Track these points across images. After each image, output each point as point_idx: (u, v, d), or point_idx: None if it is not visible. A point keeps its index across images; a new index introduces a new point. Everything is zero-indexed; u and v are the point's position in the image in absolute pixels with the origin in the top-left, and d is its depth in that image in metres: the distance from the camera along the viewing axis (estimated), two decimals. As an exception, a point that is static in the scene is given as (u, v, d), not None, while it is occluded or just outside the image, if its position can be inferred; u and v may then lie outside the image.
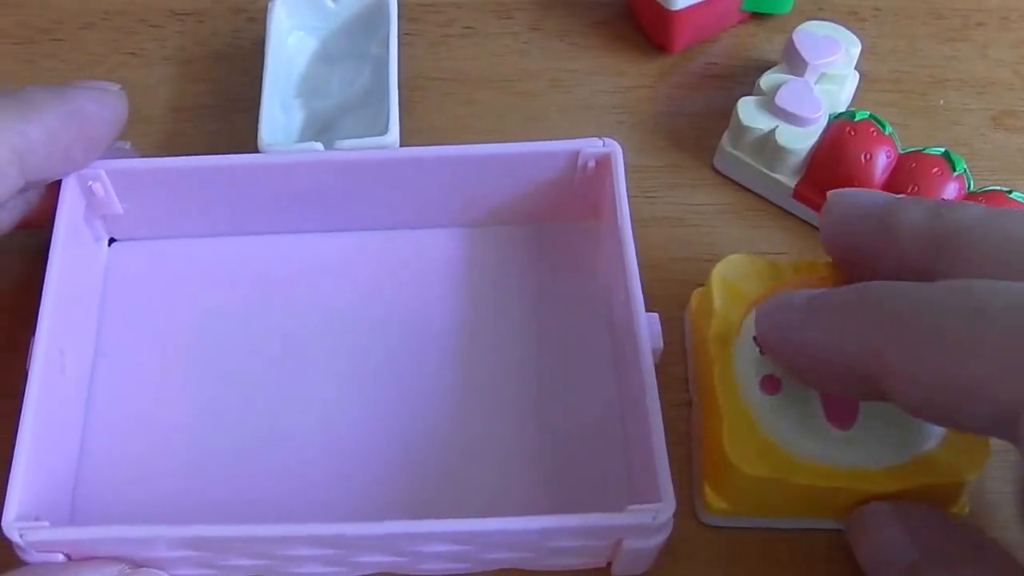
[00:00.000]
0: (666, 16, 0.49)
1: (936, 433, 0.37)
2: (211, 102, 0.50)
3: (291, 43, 0.49)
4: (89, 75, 0.51)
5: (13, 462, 0.35)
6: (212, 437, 0.40)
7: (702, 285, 0.41)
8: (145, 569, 0.36)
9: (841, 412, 0.37)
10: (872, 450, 0.37)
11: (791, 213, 0.47)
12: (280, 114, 0.46)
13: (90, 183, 0.41)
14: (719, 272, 0.40)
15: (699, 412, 0.41)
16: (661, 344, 0.38)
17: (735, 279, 0.40)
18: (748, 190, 0.48)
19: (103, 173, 0.41)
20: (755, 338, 0.37)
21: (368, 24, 0.49)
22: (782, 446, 0.37)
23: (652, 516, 0.34)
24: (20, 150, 0.36)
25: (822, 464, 0.36)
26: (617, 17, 0.53)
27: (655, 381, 0.36)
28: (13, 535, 0.34)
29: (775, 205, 0.47)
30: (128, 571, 0.35)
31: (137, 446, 0.40)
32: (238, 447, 0.40)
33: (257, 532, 0.34)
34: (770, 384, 0.37)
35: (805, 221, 0.46)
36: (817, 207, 0.45)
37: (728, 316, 0.39)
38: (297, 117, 0.48)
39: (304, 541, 0.35)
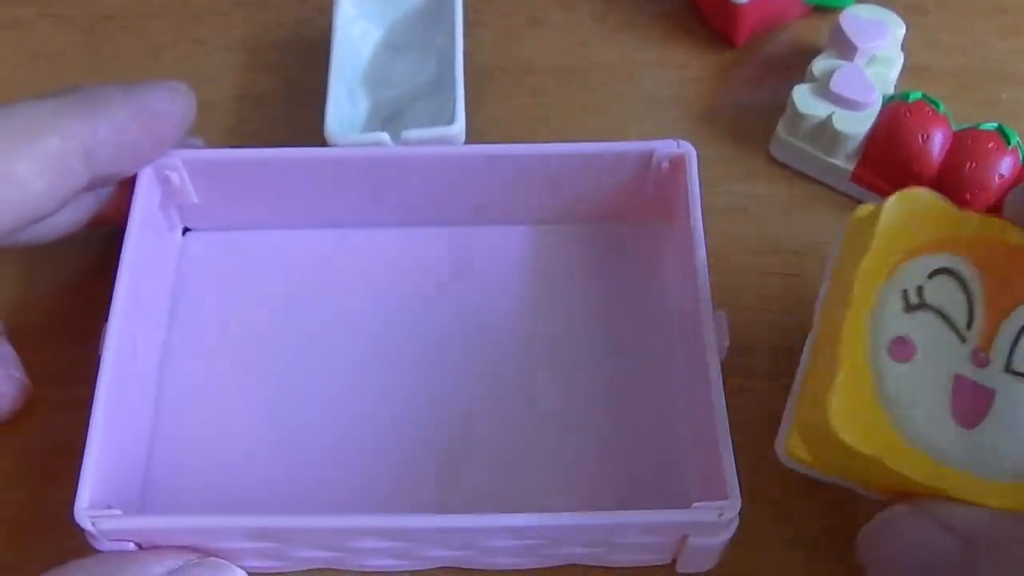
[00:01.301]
0: (731, 9, 0.49)
1: None
2: (276, 91, 0.50)
3: (356, 32, 0.49)
4: (153, 63, 0.51)
5: (86, 449, 0.35)
6: (282, 426, 0.40)
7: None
8: (212, 559, 0.36)
9: (970, 407, 0.34)
10: (991, 459, 0.33)
11: (850, 196, 0.47)
12: (346, 103, 0.46)
13: (167, 172, 0.41)
14: (893, 204, 0.36)
15: (815, 345, 0.37)
16: (727, 342, 0.38)
17: (908, 215, 0.36)
18: (805, 176, 0.48)
19: (180, 163, 0.41)
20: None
21: (433, 14, 0.49)
22: (892, 424, 0.33)
23: (718, 513, 0.34)
24: (88, 146, 0.37)
25: (931, 457, 0.33)
26: (680, 9, 0.53)
27: (721, 381, 0.36)
28: (85, 523, 0.34)
29: (834, 190, 0.47)
30: (195, 561, 0.35)
31: (206, 434, 0.40)
32: (308, 436, 0.40)
33: (325, 523, 0.34)
34: (902, 349, 0.34)
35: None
36: (876, 188, 0.45)
37: (887, 254, 0.35)
38: (363, 106, 0.48)
39: (373, 533, 0.35)
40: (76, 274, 0.45)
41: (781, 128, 0.47)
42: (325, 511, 0.36)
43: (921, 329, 0.35)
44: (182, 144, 0.41)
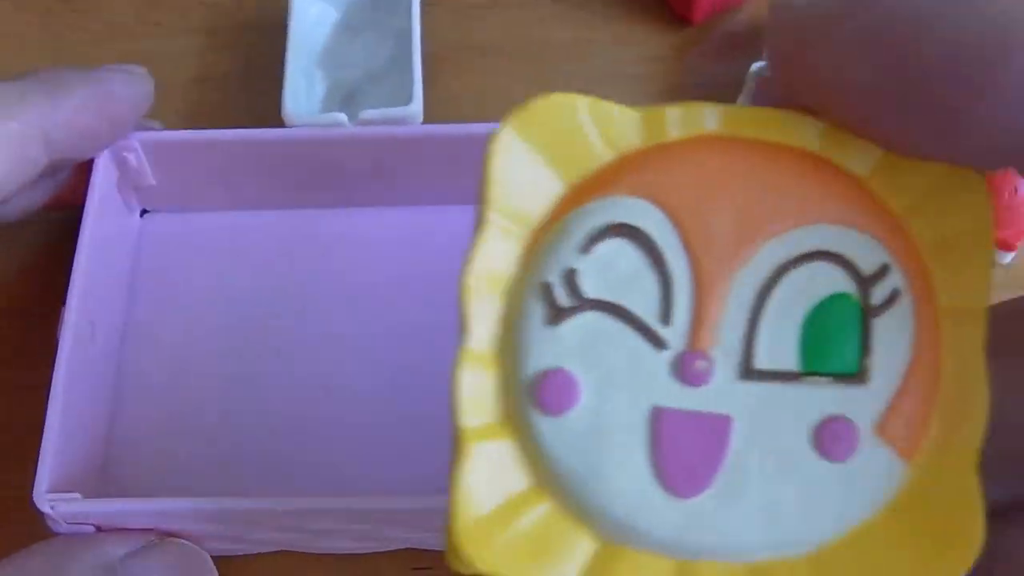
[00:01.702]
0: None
1: (873, 491, 0.21)
2: (234, 72, 0.50)
3: (313, 14, 0.49)
4: (112, 46, 0.51)
5: (44, 433, 0.35)
6: (241, 409, 0.40)
7: None
8: (173, 540, 0.36)
9: (690, 459, 0.20)
10: (750, 531, 0.20)
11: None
12: (303, 84, 0.46)
13: (124, 154, 0.41)
14: (510, 137, 0.22)
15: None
16: None
17: (543, 148, 0.22)
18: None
19: (137, 144, 0.41)
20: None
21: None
22: (567, 509, 0.21)
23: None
24: (46, 130, 0.36)
25: (643, 551, 0.21)
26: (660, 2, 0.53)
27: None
28: (44, 507, 0.34)
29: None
30: (155, 541, 0.35)
31: (167, 416, 0.40)
32: (267, 419, 0.40)
33: (284, 505, 0.34)
34: (555, 391, 0.20)
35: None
36: None
37: (512, 224, 0.22)
38: (320, 87, 0.48)
39: (332, 514, 0.35)
40: (34, 256, 0.44)
41: (741, 104, 0.47)
42: (288, 493, 0.36)
43: (583, 347, 0.21)
44: (140, 127, 0.41)
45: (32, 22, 0.52)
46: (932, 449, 0.21)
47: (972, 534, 0.20)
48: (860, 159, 0.21)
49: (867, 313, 0.21)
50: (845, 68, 0.20)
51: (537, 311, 0.21)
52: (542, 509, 0.20)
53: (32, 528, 0.35)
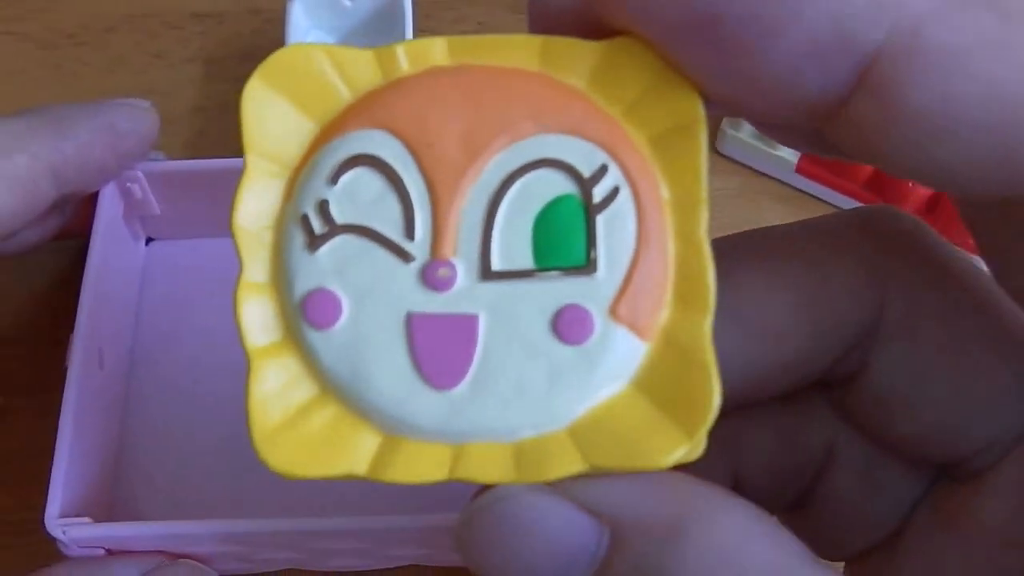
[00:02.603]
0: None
1: (615, 368, 0.22)
2: (234, 102, 0.50)
3: (309, 42, 0.50)
4: (113, 78, 0.52)
5: (54, 458, 0.35)
6: (247, 431, 0.41)
7: None
8: (183, 561, 0.36)
9: (443, 355, 0.22)
10: (506, 413, 0.22)
11: (796, 188, 0.48)
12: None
13: (128, 185, 0.42)
14: (256, 90, 0.24)
15: None
16: None
17: (285, 93, 0.23)
18: (753, 170, 0.49)
19: (141, 175, 0.42)
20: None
21: (384, 22, 0.50)
22: (351, 410, 0.22)
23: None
24: (55, 165, 0.37)
25: (421, 441, 0.22)
26: None
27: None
28: (56, 531, 0.34)
29: (781, 182, 0.48)
30: (166, 563, 0.36)
31: (174, 441, 0.41)
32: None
33: (291, 526, 0.35)
34: (321, 308, 0.23)
35: (810, 195, 0.48)
36: (821, 179, 0.47)
37: (270, 166, 0.23)
38: None
39: (338, 535, 0.35)
40: (43, 285, 0.45)
41: (726, 124, 0.49)
42: (294, 514, 0.37)
43: (340, 267, 0.23)
44: (143, 158, 0.41)
45: (35, 57, 0.52)
46: (668, 329, 0.22)
47: (709, 398, 0.22)
48: (576, 73, 0.23)
49: (590, 211, 0.23)
50: (652, 7, 0.22)
51: (297, 239, 0.23)
52: (328, 413, 0.22)
53: (45, 551, 0.36)
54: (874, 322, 0.26)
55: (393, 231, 0.23)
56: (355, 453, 0.22)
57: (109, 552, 0.36)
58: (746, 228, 0.41)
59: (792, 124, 0.23)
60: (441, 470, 0.22)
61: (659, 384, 0.22)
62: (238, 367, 0.41)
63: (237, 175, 0.41)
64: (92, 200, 0.41)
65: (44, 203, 0.38)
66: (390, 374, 0.22)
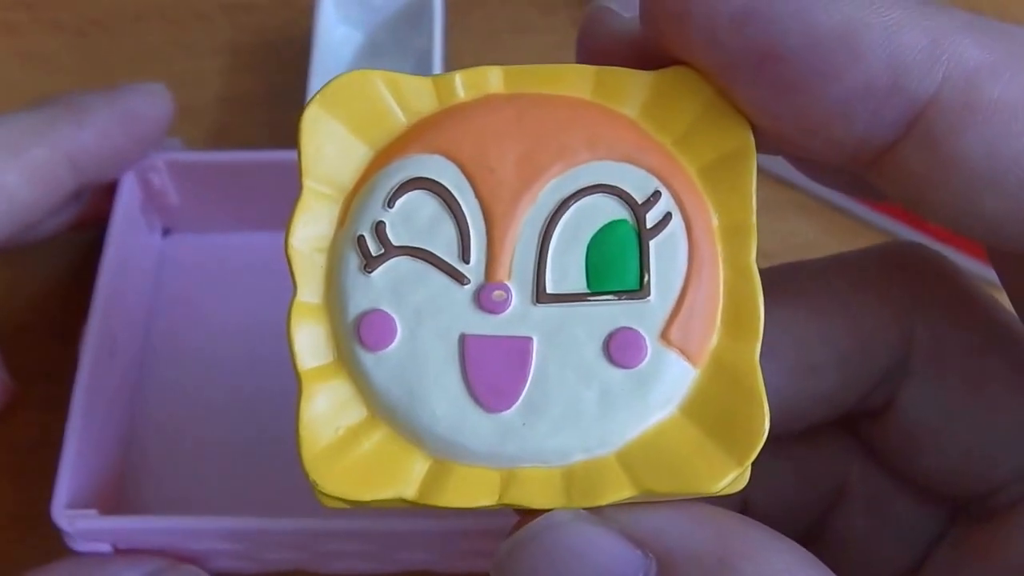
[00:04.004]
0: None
1: (665, 393, 0.22)
2: (259, 93, 0.51)
3: (338, 36, 0.50)
4: (141, 66, 0.52)
5: (64, 448, 0.35)
6: (259, 427, 0.41)
7: None
8: (186, 566, 0.36)
9: (497, 377, 0.22)
10: (558, 437, 0.22)
11: (820, 197, 0.48)
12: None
13: (148, 175, 0.42)
14: (314, 116, 0.23)
15: None
16: None
17: (343, 118, 0.24)
18: (775, 178, 0.48)
19: (161, 164, 0.41)
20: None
21: (413, 18, 0.50)
22: (401, 434, 0.22)
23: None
24: (74, 155, 0.38)
25: (471, 465, 0.22)
26: None
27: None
28: (62, 522, 0.34)
29: (804, 191, 0.48)
30: (167, 566, 0.36)
31: (183, 437, 0.41)
32: (284, 438, 0.40)
33: (297, 526, 0.35)
34: (375, 329, 0.22)
35: (833, 204, 0.48)
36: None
37: (326, 191, 0.24)
38: None
39: (345, 536, 0.35)
40: (59, 275, 0.45)
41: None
42: (303, 513, 0.36)
43: (395, 289, 0.23)
44: (160, 144, 0.42)
45: (66, 43, 0.52)
46: (717, 355, 0.23)
47: (759, 425, 0.22)
48: (628, 103, 0.23)
49: (643, 235, 0.23)
50: (718, 40, 0.22)
51: (352, 261, 0.23)
52: (378, 436, 0.22)
53: (52, 545, 0.35)
54: (903, 357, 0.27)
55: (448, 254, 0.23)
56: (404, 477, 0.22)
57: (115, 547, 0.36)
58: (771, 240, 0.41)
59: (834, 165, 0.23)
60: (491, 495, 0.22)
61: (708, 410, 0.22)
62: (250, 363, 0.41)
63: (259, 168, 0.42)
64: (109, 190, 0.41)
65: (63, 193, 0.38)
66: (443, 397, 0.22)
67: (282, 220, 0.42)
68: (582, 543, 0.22)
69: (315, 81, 0.46)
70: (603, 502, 0.22)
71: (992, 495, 0.27)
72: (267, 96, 0.51)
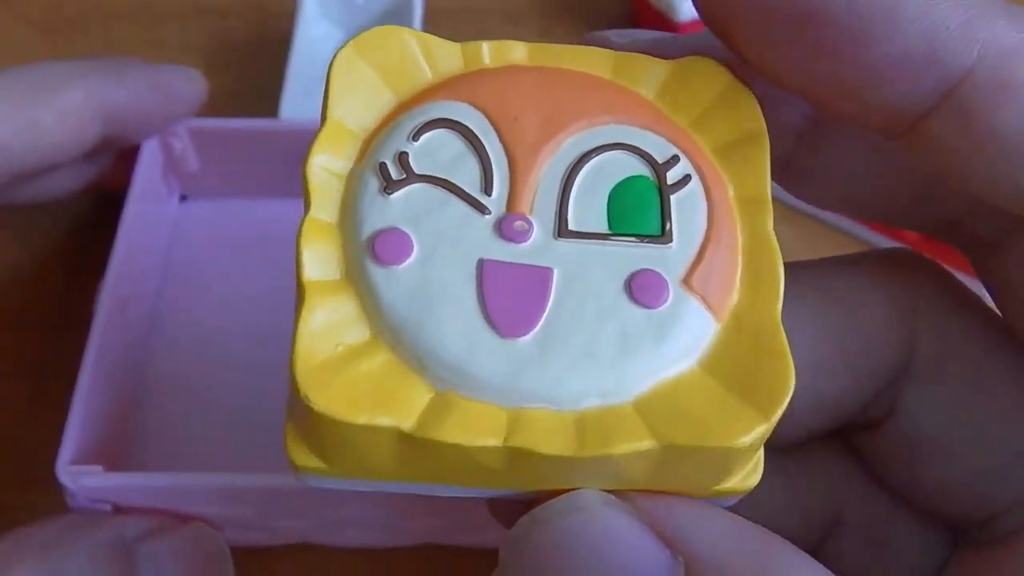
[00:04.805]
0: (672, 28, 0.51)
1: (686, 341, 0.22)
2: (236, 92, 0.51)
3: (318, 32, 0.50)
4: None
5: (72, 405, 0.35)
6: (266, 394, 0.40)
7: None
8: (192, 523, 0.36)
9: (516, 302, 0.21)
10: (566, 374, 0.21)
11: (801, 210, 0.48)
12: (303, 101, 0.47)
13: (170, 139, 0.42)
14: (346, 58, 0.24)
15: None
16: None
17: (372, 63, 0.24)
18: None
19: (183, 130, 0.42)
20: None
21: (394, 17, 0.51)
22: (404, 359, 0.21)
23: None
24: (107, 107, 0.38)
25: (476, 400, 0.21)
26: (623, 25, 0.54)
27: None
28: (65, 479, 0.34)
29: (785, 204, 0.49)
30: (170, 523, 0.35)
31: (191, 400, 0.41)
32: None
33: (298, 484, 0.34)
34: (390, 246, 0.22)
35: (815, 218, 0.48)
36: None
37: (349, 127, 0.23)
38: (318, 101, 0.48)
39: (349, 497, 0.35)
40: (65, 240, 0.45)
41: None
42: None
43: (414, 212, 0.22)
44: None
45: (36, 40, 0.52)
46: (738, 313, 0.22)
47: (785, 379, 0.21)
48: (646, 86, 0.24)
49: (663, 190, 0.23)
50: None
51: (372, 184, 0.22)
52: (379, 359, 0.21)
53: (54, 504, 0.35)
54: (905, 361, 0.26)
55: (470, 186, 0.22)
56: (403, 406, 0.21)
57: (115, 506, 0.35)
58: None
59: (867, 130, 0.23)
60: (496, 434, 0.20)
61: (730, 366, 0.21)
62: (260, 329, 0.42)
63: (280, 136, 0.42)
64: (124, 156, 0.41)
65: (90, 142, 0.39)
66: (454, 317, 0.21)
67: (299, 190, 0.42)
68: (607, 532, 0.20)
69: (292, 76, 0.47)
70: (619, 450, 0.20)
71: (994, 520, 0.26)
72: (242, 95, 0.51)
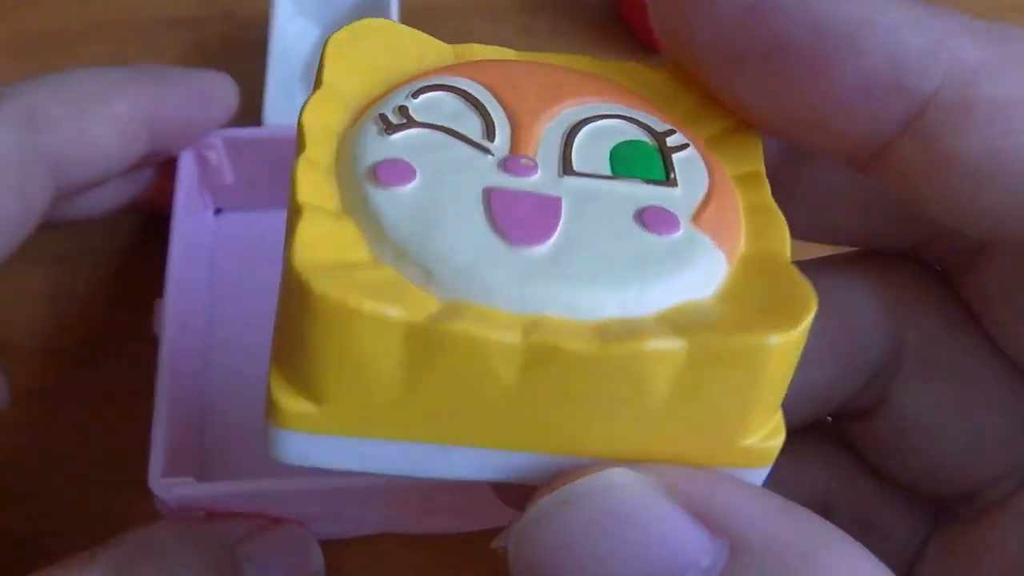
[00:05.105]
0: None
1: (699, 273, 0.21)
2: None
3: (294, 30, 0.50)
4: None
5: (154, 421, 0.35)
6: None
7: None
8: (284, 525, 0.36)
9: (529, 217, 0.21)
10: (593, 284, 0.20)
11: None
12: (284, 100, 0.47)
13: (205, 151, 0.42)
14: (342, 38, 0.24)
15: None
16: None
17: (366, 49, 0.24)
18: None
19: (218, 142, 0.41)
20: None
21: (369, 12, 0.50)
22: (408, 276, 0.20)
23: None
24: (152, 119, 0.38)
25: (489, 307, 0.19)
26: (607, 18, 0.55)
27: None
28: (160, 491, 0.34)
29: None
30: (266, 525, 0.36)
31: (252, 410, 0.40)
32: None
33: (382, 483, 0.35)
34: (392, 171, 0.21)
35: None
36: None
37: (342, 92, 0.23)
38: (300, 101, 0.48)
39: (435, 489, 0.35)
40: (109, 257, 0.45)
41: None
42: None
43: (415, 147, 0.22)
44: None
45: (6, 60, 0.52)
46: (747, 256, 0.22)
47: (808, 294, 0.20)
48: (635, 84, 0.25)
49: (664, 150, 0.23)
50: (724, 31, 0.22)
51: (371, 128, 0.22)
52: (383, 272, 0.20)
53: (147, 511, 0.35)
54: (893, 357, 0.27)
55: (473, 132, 0.22)
56: (412, 304, 0.19)
57: (208, 513, 0.35)
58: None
59: (833, 158, 0.24)
60: (513, 331, 0.19)
61: (747, 294, 0.21)
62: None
63: None
64: (165, 171, 0.41)
65: (137, 154, 0.38)
66: (464, 229, 0.20)
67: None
68: (642, 511, 0.19)
69: (272, 75, 0.47)
70: (645, 347, 0.19)
71: (978, 494, 0.27)
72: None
